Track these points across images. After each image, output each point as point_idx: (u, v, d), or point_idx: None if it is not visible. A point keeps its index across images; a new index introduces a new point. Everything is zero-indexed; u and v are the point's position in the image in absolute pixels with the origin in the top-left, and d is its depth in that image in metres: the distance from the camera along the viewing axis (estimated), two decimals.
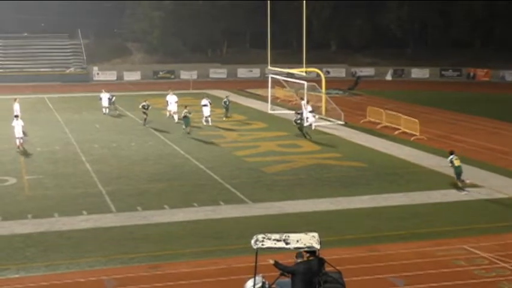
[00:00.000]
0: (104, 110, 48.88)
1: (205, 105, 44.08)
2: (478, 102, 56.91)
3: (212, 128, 42.57)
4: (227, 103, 46.95)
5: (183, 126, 40.74)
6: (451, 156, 27.52)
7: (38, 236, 21.65)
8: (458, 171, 27.10)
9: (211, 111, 44.44)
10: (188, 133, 40.02)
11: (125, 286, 17.62)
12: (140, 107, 44.22)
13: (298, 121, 39.33)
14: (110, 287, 17.65)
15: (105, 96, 49.26)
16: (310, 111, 42.72)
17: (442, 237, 21.32)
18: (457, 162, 27.16)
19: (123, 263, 19.25)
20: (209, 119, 44.02)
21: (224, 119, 46.13)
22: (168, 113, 46.25)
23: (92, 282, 17.95)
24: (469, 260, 19.29)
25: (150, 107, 44.43)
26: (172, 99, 45.94)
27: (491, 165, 31.72)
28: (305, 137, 38.75)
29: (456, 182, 27.32)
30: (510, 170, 30.54)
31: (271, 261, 14.64)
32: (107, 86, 59.34)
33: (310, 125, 41.78)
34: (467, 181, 27.10)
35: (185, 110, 40.67)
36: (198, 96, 58.67)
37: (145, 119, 43.67)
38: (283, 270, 14.69)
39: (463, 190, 26.83)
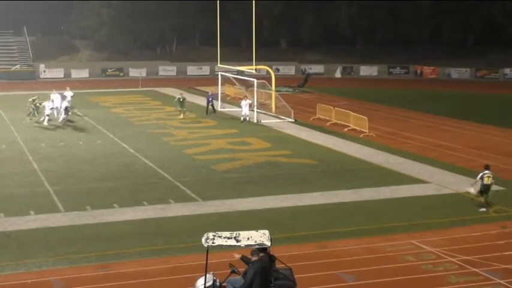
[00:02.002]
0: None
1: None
2: (425, 99, 57.74)
3: (162, 126, 42.27)
4: (182, 100, 45.98)
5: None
6: (486, 172, 24.29)
7: None
8: (483, 189, 24.29)
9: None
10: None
11: (73, 287, 17.36)
12: (31, 100, 43.16)
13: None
14: (57, 287, 17.37)
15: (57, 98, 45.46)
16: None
17: (390, 233, 21.57)
18: (487, 180, 24.19)
19: (71, 263, 18.97)
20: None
21: (181, 116, 45.21)
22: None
23: (40, 283, 17.64)
24: (417, 255, 19.55)
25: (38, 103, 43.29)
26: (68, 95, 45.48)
27: (439, 161, 32.20)
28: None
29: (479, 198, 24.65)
30: (457, 166, 31.04)
31: (237, 256, 14.70)
32: (55, 83, 58.42)
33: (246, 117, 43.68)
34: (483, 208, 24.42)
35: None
36: (147, 94, 58.41)
37: (30, 113, 42.70)
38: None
39: (482, 207, 24.35)
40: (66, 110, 42.06)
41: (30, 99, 43.23)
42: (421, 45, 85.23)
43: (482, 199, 24.38)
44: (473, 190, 24.53)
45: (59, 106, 43.27)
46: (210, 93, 48.55)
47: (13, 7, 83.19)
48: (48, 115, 41.91)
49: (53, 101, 43.48)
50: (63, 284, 17.50)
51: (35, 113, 42.39)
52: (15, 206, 24.52)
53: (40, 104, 42.79)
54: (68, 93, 45.76)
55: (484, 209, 24.17)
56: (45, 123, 41.78)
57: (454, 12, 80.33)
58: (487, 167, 24.57)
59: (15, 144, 36.35)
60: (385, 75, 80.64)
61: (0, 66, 76.14)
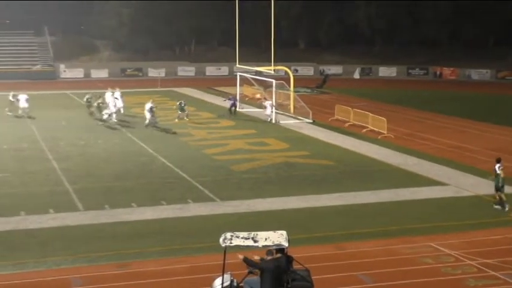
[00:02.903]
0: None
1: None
2: (444, 100, 57.46)
3: (180, 126, 42.39)
4: (182, 104, 45.42)
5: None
6: (499, 165, 24.50)
7: (5, 235, 21.39)
8: (502, 183, 24.41)
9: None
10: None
11: (92, 285, 17.49)
12: (85, 100, 44.60)
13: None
14: (76, 285, 17.50)
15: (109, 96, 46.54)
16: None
17: (409, 235, 21.50)
18: (502, 173, 24.36)
19: (90, 262, 19.10)
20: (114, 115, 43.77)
21: (176, 120, 44.44)
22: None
23: (59, 280, 17.79)
24: (436, 258, 19.47)
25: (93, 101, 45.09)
26: (117, 96, 46.02)
27: (458, 163, 32.04)
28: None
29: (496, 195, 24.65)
30: (476, 168, 30.87)
31: (240, 257, 14.64)
32: (75, 83, 58.75)
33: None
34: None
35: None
36: (166, 94, 58.60)
37: (92, 113, 44.48)
38: (253, 266, 14.69)
39: (497, 204, 24.53)
40: (151, 110, 42.22)
41: (85, 99, 45.00)
42: (440, 46, 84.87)
43: (498, 195, 24.33)
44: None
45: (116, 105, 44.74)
46: (232, 96, 48.74)
47: (34, 8, 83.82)
48: (113, 113, 43.21)
49: (116, 98, 45.38)
50: (82, 282, 17.62)
51: (99, 111, 43.46)
52: (35, 205, 24.73)
53: (102, 103, 43.85)
54: (117, 94, 46.40)
55: (499, 207, 24.26)
56: (114, 119, 42.98)
57: (475, 13, 79.81)
58: (498, 160, 24.74)
59: (35, 143, 36.64)
60: (404, 76, 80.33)
61: (21, 66, 76.71)
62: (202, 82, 71.23)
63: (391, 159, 33.08)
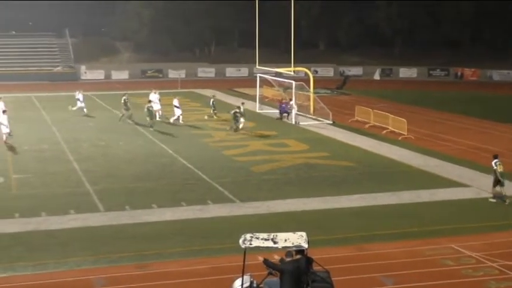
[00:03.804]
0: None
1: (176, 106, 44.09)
2: (465, 101, 57.11)
3: (200, 127, 42.49)
4: (213, 103, 46.62)
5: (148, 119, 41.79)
6: (496, 161, 25.77)
7: (25, 235, 21.54)
8: (501, 176, 25.51)
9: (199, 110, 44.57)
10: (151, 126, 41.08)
11: (113, 285, 17.57)
12: (122, 102, 44.67)
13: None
14: (98, 286, 17.59)
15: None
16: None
17: (430, 237, 21.38)
18: (500, 168, 25.59)
19: (111, 262, 19.19)
20: (180, 117, 44.10)
21: (215, 117, 45.71)
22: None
23: (80, 281, 17.88)
24: (457, 260, 19.35)
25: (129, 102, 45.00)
26: (154, 98, 45.66)
27: (478, 164, 31.80)
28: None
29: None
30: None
31: (261, 259, 14.62)
32: (95, 85, 59.06)
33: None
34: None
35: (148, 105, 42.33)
36: (186, 95, 58.70)
37: (123, 115, 44.46)
38: (272, 267, 14.68)
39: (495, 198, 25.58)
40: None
41: (122, 100, 44.76)
42: (461, 47, 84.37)
43: (497, 189, 25.54)
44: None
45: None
46: (283, 102, 48.00)
47: (55, 10, 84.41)
48: (179, 115, 43.94)
49: (159, 100, 45.67)
50: (103, 283, 17.70)
51: (152, 116, 42.17)
52: (56, 205, 24.89)
53: (151, 108, 42.85)
54: (176, 101, 45.58)
55: (494, 200, 25.37)
56: (181, 121, 43.67)
57: (496, 13, 79.26)
58: (495, 156, 26.14)
59: (56, 145, 36.88)
60: (424, 77, 79.98)
61: (42, 68, 77.29)
62: (222, 83, 71.35)
63: (412, 160, 32.93)
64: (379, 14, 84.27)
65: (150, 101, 43.61)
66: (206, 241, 21.00)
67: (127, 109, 44.82)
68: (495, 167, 25.62)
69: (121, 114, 44.93)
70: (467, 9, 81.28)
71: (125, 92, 48.82)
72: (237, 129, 40.88)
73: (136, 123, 43.20)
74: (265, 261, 14.63)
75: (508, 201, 25.18)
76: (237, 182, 28.60)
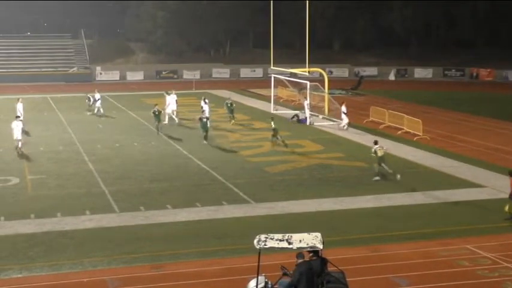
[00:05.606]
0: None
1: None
2: (481, 102, 56.85)
3: (215, 128, 42.52)
4: (230, 105, 45.68)
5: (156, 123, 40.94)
6: (376, 146, 29.23)
7: (41, 236, 21.66)
8: (379, 160, 29.04)
9: (212, 111, 44.42)
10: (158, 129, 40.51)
11: (128, 286, 17.63)
12: (151, 113, 41.68)
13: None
14: (113, 286, 17.65)
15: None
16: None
17: (445, 237, 21.31)
18: (380, 153, 29.08)
19: (126, 263, 19.26)
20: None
21: (233, 121, 44.54)
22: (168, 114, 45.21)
23: (95, 282, 17.96)
24: (472, 260, 19.27)
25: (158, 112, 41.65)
26: (171, 99, 45.45)
27: (493, 165, 31.67)
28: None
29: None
30: None
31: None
32: (110, 86, 59.31)
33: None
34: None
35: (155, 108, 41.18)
36: (201, 96, 58.74)
37: (157, 126, 40.86)
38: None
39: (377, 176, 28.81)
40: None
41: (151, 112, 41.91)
42: (477, 47, 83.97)
43: (377, 169, 28.86)
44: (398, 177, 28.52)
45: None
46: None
47: (71, 11, 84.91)
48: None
49: (176, 101, 45.56)
50: (118, 283, 17.77)
51: (158, 120, 40.94)
52: (71, 206, 25.01)
53: (160, 111, 41.75)
54: (173, 97, 45.64)
55: (378, 178, 28.59)
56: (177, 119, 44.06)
57: None
58: (376, 142, 29.60)
59: (72, 145, 37.05)
60: (440, 78, 79.67)
61: (57, 69, 77.73)
62: (237, 84, 71.42)
63: (427, 161, 32.82)
64: (394, 14, 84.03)
65: (156, 105, 41.75)
66: (221, 242, 21.03)
67: (158, 120, 41.16)
68: (374, 154, 29.05)
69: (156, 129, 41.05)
70: (483, 10, 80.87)
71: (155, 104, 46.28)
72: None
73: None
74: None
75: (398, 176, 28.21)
76: (251, 182, 28.61)
